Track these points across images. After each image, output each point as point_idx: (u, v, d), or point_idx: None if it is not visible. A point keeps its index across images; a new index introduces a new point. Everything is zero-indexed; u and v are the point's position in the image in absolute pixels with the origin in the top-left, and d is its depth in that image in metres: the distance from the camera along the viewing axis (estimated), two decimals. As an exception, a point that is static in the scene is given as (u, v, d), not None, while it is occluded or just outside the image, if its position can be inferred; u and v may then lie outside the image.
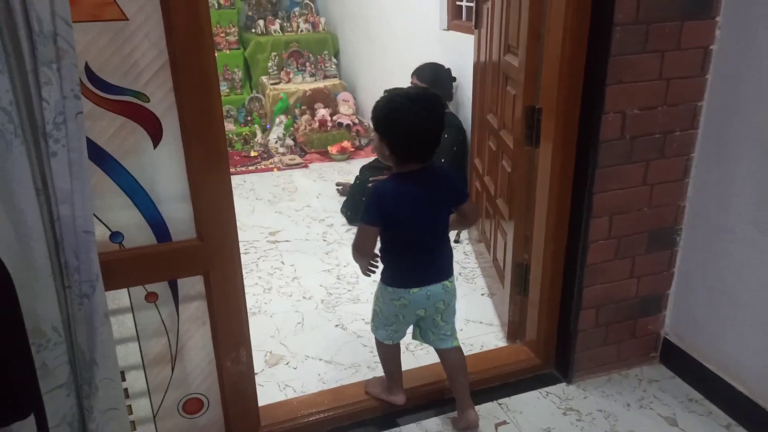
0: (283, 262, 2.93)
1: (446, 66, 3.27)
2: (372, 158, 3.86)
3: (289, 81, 5.21)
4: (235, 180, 4.12)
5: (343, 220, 3.40)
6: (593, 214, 1.78)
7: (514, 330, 2.17)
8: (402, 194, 1.53)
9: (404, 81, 3.33)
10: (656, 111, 1.72)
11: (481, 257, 2.79)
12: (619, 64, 1.63)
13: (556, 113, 1.73)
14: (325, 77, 5.31)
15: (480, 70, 2.71)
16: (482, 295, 2.60)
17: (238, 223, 1.49)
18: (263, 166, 4.39)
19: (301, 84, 5.17)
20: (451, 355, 1.76)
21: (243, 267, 1.55)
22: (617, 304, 1.95)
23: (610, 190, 1.77)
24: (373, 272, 1.68)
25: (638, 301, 1.97)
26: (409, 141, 1.47)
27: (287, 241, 3.18)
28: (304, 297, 2.61)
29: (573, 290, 1.89)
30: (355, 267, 1.86)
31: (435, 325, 1.71)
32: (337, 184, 3.81)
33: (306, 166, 4.41)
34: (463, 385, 1.77)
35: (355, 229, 1.86)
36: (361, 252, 1.61)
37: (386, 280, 1.66)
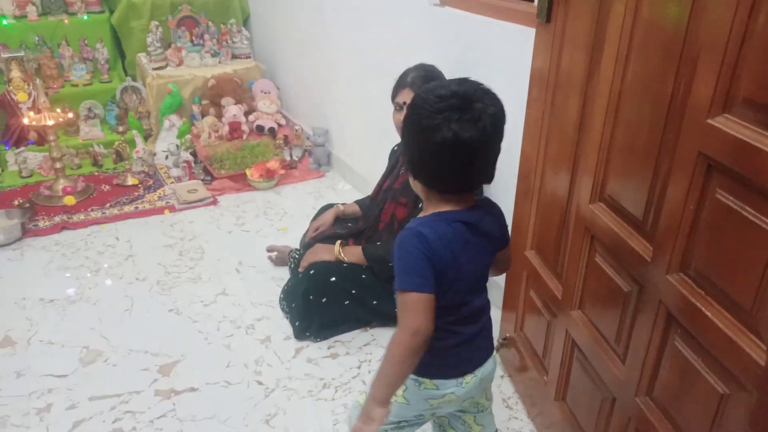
0: (185, 455, 1.58)
1: (434, 63, 1.97)
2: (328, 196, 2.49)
3: (180, 63, 3.63)
4: (103, 236, 2.60)
5: (286, 325, 2.06)
6: None
7: None
8: (451, 239, 1.00)
9: (361, 69, 1.99)
10: None
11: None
12: None
13: None
14: (234, 57, 3.77)
15: (551, 99, 1.42)
16: None
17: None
18: (148, 206, 2.88)
19: (200, 68, 3.61)
20: None
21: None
22: None
23: None
24: None
25: None
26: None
27: (191, 389, 1.80)
28: None
29: None
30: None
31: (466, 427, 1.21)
32: (269, 250, 2.42)
33: (215, 202, 2.94)
34: None
35: (310, 345, 1.81)
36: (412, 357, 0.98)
37: (422, 370, 1.06)
